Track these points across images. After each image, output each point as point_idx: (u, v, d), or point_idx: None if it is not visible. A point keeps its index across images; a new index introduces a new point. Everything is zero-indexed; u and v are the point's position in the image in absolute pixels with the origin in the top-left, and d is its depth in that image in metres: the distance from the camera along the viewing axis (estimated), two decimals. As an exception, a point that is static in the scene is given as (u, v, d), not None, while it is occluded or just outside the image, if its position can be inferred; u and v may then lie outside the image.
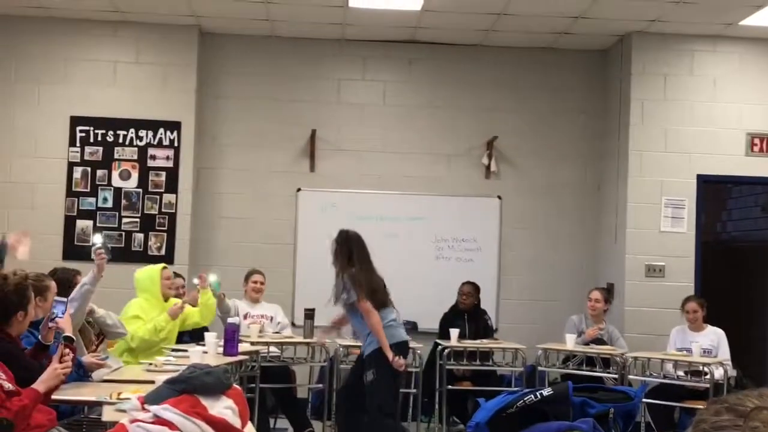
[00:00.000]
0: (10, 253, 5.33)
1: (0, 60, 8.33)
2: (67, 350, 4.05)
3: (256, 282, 7.52)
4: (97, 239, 5.94)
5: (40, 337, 4.52)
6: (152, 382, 4.48)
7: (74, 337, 4.41)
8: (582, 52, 8.88)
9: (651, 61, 8.28)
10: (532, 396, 3.18)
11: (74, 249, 8.22)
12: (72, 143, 8.32)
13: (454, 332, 7.47)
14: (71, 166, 8.32)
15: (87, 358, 4.87)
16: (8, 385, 3.74)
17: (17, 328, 4.23)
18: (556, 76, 8.94)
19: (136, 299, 6.45)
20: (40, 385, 3.85)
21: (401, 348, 5.93)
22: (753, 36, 8.18)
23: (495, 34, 8.45)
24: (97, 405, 4.22)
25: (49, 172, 8.30)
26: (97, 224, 8.28)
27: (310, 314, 7.50)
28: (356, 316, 6.04)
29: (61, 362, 3.93)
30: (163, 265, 6.58)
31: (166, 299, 6.46)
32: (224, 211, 8.71)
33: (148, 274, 6.38)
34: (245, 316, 7.44)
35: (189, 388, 3.32)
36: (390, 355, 5.77)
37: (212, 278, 6.78)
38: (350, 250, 6.08)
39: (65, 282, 5.53)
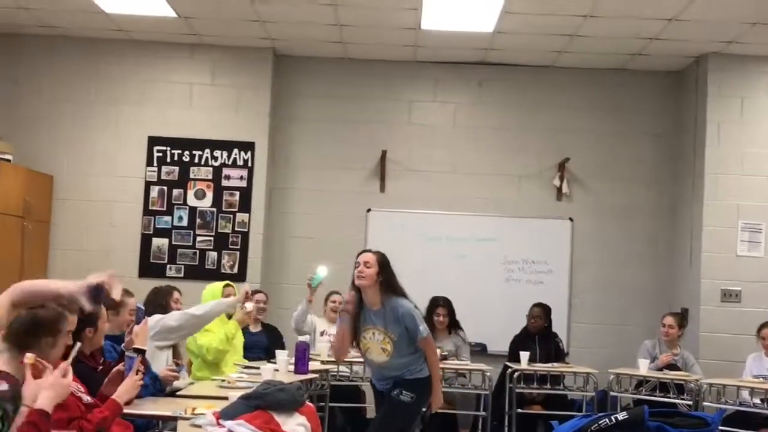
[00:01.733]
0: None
1: (81, 82, 8.58)
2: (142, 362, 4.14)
3: (335, 302, 7.57)
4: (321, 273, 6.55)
5: (123, 346, 4.62)
6: (226, 398, 4.56)
7: (145, 349, 4.51)
8: (656, 74, 8.79)
9: (727, 83, 8.15)
10: (607, 420, 3.14)
11: (150, 266, 8.40)
12: (149, 163, 8.52)
13: (525, 355, 7.40)
14: (148, 185, 8.51)
15: (162, 371, 4.97)
16: (87, 398, 3.83)
17: (88, 345, 4.30)
18: (629, 98, 8.86)
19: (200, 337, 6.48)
20: (122, 396, 3.93)
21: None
22: (833, 57, 8.00)
23: (567, 56, 8.41)
24: (173, 420, 4.30)
25: (127, 191, 8.51)
26: (173, 242, 8.45)
27: (379, 334, 7.50)
28: (405, 345, 5.22)
29: (137, 374, 4.02)
30: (226, 282, 6.66)
31: (229, 317, 6.54)
32: (296, 231, 8.81)
33: (212, 290, 6.46)
34: (322, 333, 7.51)
35: (263, 404, 3.39)
36: (438, 394, 5.30)
37: (321, 272, 6.81)
38: (393, 275, 5.31)
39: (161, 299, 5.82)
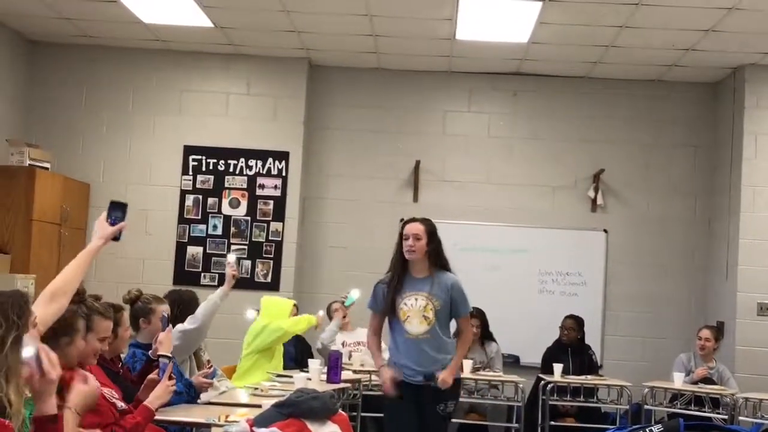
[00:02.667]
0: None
1: (118, 91, 8.68)
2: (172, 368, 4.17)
3: (337, 309, 7.58)
4: (231, 257, 6.31)
5: (150, 353, 4.66)
6: (259, 405, 4.58)
7: (170, 355, 4.53)
8: (692, 85, 8.72)
9: (764, 95, 8.08)
10: (642, 433, 3.12)
11: (185, 274, 8.46)
12: (185, 172, 8.59)
13: (558, 367, 7.36)
14: (183, 193, 8.59)
15: (197, 379, 4.99)
16: (121, 404, 3.86)
17: (110, 350, 4.32)
18: (664, 109, 8.80)
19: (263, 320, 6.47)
20: (154, 402, 3.95)
21: None
22: None
23: (602, 66, 8.37)
24: (206, 427, 4.32)
25: (163, 199, 8.58)
26: (207, 251, 8.51)
27: (412, 344, 7.50)
28: (444, 321, 5.03)
29: (170, 379, 4.04)
30: (294, 302, 6.74)
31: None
32: (329, 240, 8.84)
33: (281, 307, 6.47)
34: (342, 344, 7.51)
35: (296, 412, 3.40)
36: (453, 372, 4.94)
37: (354, 294, 6.98)
38: (440, 244, 5.10)
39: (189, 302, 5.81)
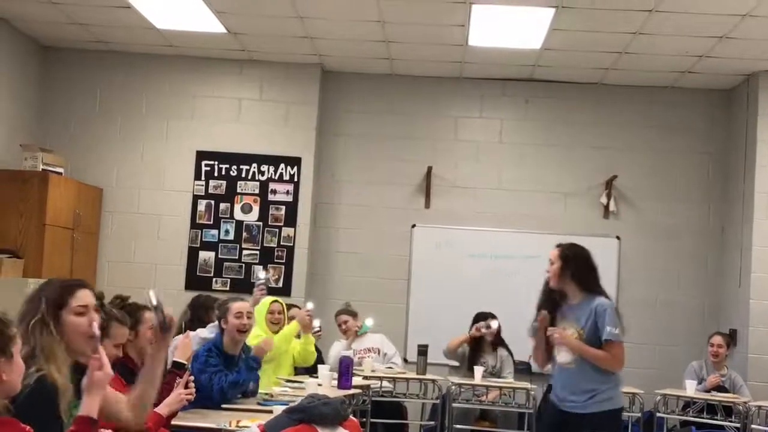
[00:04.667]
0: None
1: (131, 96, 8.72)
2: (191, 377, 4.17)
3: (341, 324, 7.61)
4: (261, 274, 6.56)
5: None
6: (270, 411, 4.58)
7: (185, 363, 4.53)
8: (706, 91, 8.70)
9: (779, 102, 8.04)
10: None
11: (196, 279, 8.48)
12: (197, 177, 8.62)
13: (569, 374, 7.32)
14: (196, 198, 8.61)
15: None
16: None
17: (132, 349, 4.30)
18: (678, 116, 8.77)
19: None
20: (163, 408, 3.96)
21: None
22: None
23: (615, 73, 8.36)
24: (217, 432, 4.33)
25: (175, 204, 8.61)
26: (219, 256, 8.53)
27: (423, 350, 7.52)
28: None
29: (186, 388, 4.05)
30: (274, 298, 6.68)
31: (297, 336, 6.59)
32: (341, 246, 8.84)
33: (259, 310, 6.47)
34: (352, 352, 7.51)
35: (307, 417, 3.40)
36: (575, 343, 4.71)
37: (368, 323, 7.47)
38: (583, 267, 4.90)
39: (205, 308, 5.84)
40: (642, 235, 8.73)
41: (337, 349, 7.36)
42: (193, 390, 4.09)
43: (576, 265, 4.85)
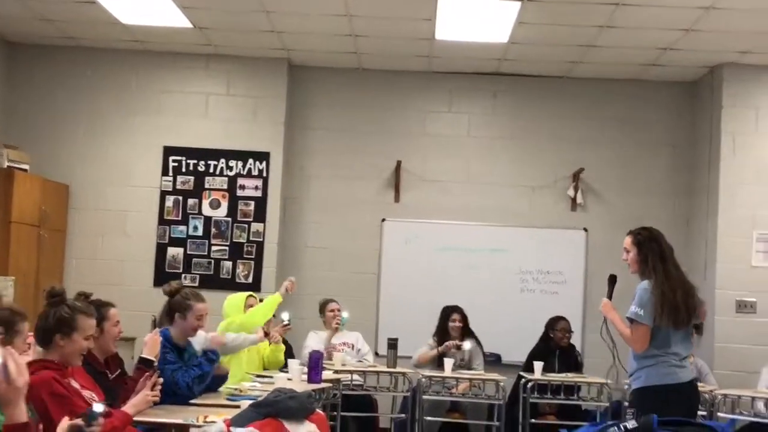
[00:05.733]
0: None
1: (98, 92, 8.65)
2: (157, 377, 4.14)
3: (332, 310, 7.60)
4: (285, 316, 6.73)
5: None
6: (238, 406, 4.57)
7: (153, 360, 4.51)
8: (671, 84, 8.77)
9: (742, 94, 8.12)
10: (616, 428, 3.13)
11: (165, 275, 8.41)
12: (165, 173, 8.57)
13: (539, 365, 7.38)
14: (163, 194, 8.56)
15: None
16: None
17: (96, 348, 4.31)
18: (643, 108, 8.84)
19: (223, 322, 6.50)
20: (130, 408, 3.95)
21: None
22: None
23: (582, 66, 8.41)
24: (185, 427, 4.31)
25: (142, 200, 8.56)
26: (188, 252, 8.49)
27: (393, 344, 7.53)
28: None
29: (153, 389, 4.03)
30: (249, 293, 6.69)
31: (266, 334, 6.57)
32: (310, 241, 8.83)
33: (234, 301, 6.49)
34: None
35: (273, 411, 3.40)
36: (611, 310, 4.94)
37: (345, 314, 7.52)
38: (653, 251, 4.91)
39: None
40: (609, 228, 8.77)
41: (314, 341, 7.35)
42: (159, 391, 4.07)
43: (646, 249, 4.88)
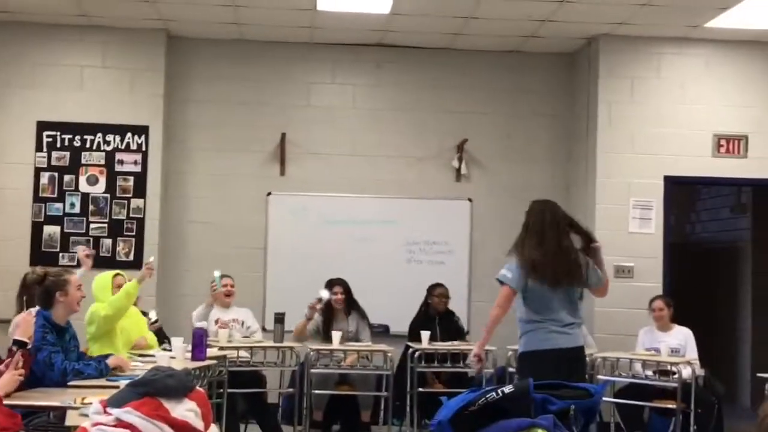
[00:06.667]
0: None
1: (-34, 65, 8.25)
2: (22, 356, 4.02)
3: (226, 285, 7.48)
4: (325, 294, 7.15)
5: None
6: (118, 387, 4.45)
7: (27, 341, 4.38)
8: (550, 55, 8.93)
9: (618, 64, 8.33)
10: (494, 393, 3.19)
11: (42, 255, 8.15)
12: (39, 148, 8.25)
13: (425, 335, 7.46)
14: (38, 171, 8.25)
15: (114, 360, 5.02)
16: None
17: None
18: (524, 79, 8.98)
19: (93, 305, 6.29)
20: None
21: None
22: (718, 38, 8.26)
23: (463, 38, 8.47)
24: (62, 410, 4.18)
25: (16, 177, 8.24)
26: (65, 230, 8.22)
27: (280, 318, 7.49)
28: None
29: (17, 368, 3.91)
30: (116, 272, 6.47)
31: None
32: (193, 216, 8.67)
33: (101, 281, 6.26)
34: (216, 321, 7.41)
35: (151, 390, 3.30)
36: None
37: (216, 273, 7.33)
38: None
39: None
40: (493, 197, 8.92)
41: (197, 314, 7.19)
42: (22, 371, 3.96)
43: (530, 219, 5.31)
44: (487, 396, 3.20)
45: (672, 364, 6.90)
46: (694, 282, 9.55)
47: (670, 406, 6.97)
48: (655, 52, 8.37)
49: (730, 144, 8.37)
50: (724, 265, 10.20)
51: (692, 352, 7.29)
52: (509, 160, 8.95)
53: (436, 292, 8.02)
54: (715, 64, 8.41)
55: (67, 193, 8.26)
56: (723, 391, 7.43)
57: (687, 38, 8.29)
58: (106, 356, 5.17)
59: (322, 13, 7.85)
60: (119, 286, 6.19)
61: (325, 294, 7.32)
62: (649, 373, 6.97)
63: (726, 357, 9.62)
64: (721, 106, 8.37)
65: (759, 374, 6.71)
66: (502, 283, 5.09)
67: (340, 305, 7.68)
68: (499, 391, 3.16)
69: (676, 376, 6.83)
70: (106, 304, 5.97)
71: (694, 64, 8.39)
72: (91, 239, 8.24)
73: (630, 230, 8.28)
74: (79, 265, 6.93)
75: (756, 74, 8.41)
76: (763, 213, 9.65)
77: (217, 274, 7.29)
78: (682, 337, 7.42)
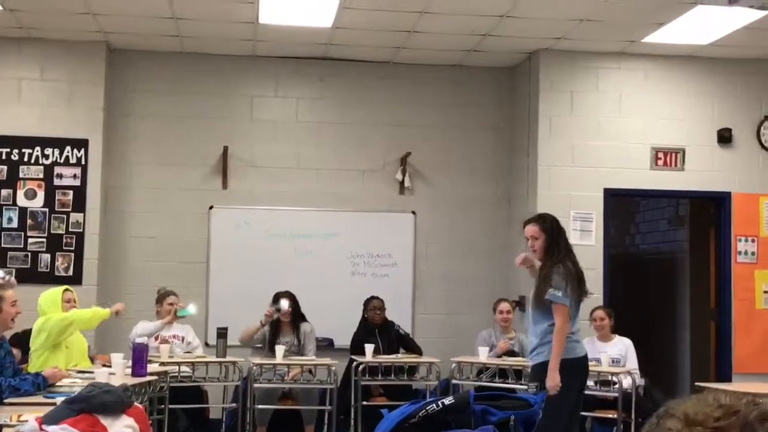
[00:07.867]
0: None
1: None
2: None
3: (172, 303, 7.39)
4: (284, 304, 7.31)
5: None
6: (55, 403, 4.38)
7: None
8: (491, 69, 9.02)
9: (558, 78, 8.45)
10: (434, 405, 3.20)
11: (-22, 271, 7.97)
12: (-25, 162, 8.09)
13: (369, 348, 7.47)
14: (-26, 185, 8.09)
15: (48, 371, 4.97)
16: None
17: None
18: (466, 93, 9.06)
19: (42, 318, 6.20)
20: None
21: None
22: (656, 53, 8.42)
23: (406, 52, 8.52)
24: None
25: (-49, 192, 8.06)
26: (2, 245, 8.06)
27: (222, 333, 7.43)
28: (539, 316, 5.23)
29: None
30: (65, 287, 6.39)
31: None
32: (134, 231, 8.56)
33: (51, 297, 6.17)
34: (157, 338, 7.32)
35: (87, 407, 3.27)
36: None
37: (192, 309, 7.27)
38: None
39: None
40: (436, 210, 8.97)
41: (146, 328, 7.09)
42: None
43: (552, 236, 5.28)
44: (428, 408, 3.21)
45: (612, 374, 6.98)
46: (633, 293, 9.69)
47: (611, 415, 7.06)
48: (593, 66, 8.51)
49: (668, 157, 8.53)
50: (662, 276, 10.36)
51: (632, 362, 7.40)
52: (452, 172, 9.01)
53: (371, 305, 8.05)
54: (653, 79, 8.58)
55: (4, 207, 8.10)
56: (663, 400, 7.53)
57: (625, 53, 8.45)
58: (44, 380, 5.09)
59: (264, 26, 7.83)
60: (68, 302, 6.12)
61: (285, 305, 7.30)
62: (591, 383, 7.03)
63: (666, 366, 9.76)
64: (658, 120, 8.54)
65: (698, 383, 6.82)
66: (552, 302, 5.11)
67: (287, 318, 7.64)
68: (439, 403, 3.17)
69: (616, 386, 6.92)
70: (69, 313, 5.93)
71: (632, 79, 8.55)
72: (30, 254, 8.09)
73: (570, 242, 8.33)
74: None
75: (692, 88, 8.60)
76: (700, 225, 9.83)
77: (192, 311, 7.28)
78: (622, 347, 7.53)
